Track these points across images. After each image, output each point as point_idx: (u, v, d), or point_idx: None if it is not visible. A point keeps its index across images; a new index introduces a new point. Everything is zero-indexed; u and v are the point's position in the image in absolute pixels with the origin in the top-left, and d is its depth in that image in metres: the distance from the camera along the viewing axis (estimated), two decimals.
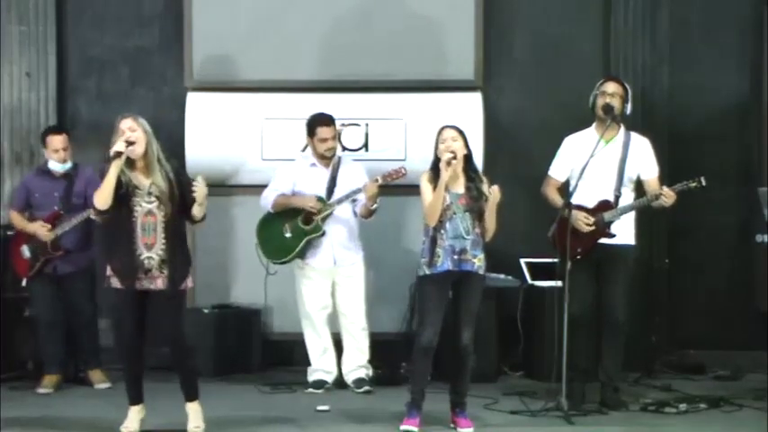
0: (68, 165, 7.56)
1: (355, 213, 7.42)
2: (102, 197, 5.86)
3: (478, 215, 6.16)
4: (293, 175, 7.50)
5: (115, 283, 5.97)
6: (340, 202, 7.35)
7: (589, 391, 6.78)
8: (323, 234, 7.37)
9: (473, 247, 6.15)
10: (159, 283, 5.94)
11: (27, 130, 8.42)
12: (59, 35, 8.48)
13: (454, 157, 6.11)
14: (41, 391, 7.37)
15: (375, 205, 7.23)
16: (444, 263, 6.12)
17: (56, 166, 7.53)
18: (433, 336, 6.12)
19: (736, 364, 8.00)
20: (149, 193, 5.94)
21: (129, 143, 5.90)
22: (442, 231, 6.13)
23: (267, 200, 7.49)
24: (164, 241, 5.94)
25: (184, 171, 6.10)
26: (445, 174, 6.07)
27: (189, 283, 6.09)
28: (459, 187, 6.20)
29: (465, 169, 6.24)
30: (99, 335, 7.69)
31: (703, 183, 6.49)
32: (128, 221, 5.92)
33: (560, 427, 6.25)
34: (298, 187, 7.48)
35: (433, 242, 6.14)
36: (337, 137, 7.58)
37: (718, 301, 8.43)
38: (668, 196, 6.53)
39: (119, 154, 5.86)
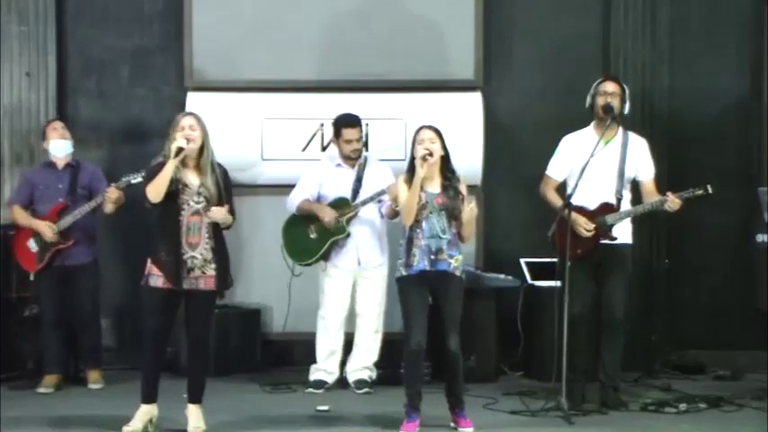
0: (69, 149, 7.58)
1: (381, 214, 7.39)
2: (156, 190, 5.87)
3: (454, 215, 6.16)
4: (319, 176, 7.49)
5: (155, 281, 5.95)
6: (364, 203, 7.34)
7: (589, 391, 6.78)
8: (348, 235, 7.36)
9: (449, 248, 6.15)
10: (202, 283, 5.96)
11: (27, 130, 8.42)
12: (59, 35, 8.48)
13: (430, 154, 6.11)
14: (41, 390, 7.37)
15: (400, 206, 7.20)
16: (420, 262, 6.12)
17: (57, 149, 7.54)
18: (421, 337, 6.12)
19: (736, 364, 8.01)
20: (198, 194, 5.96)
21: (189, 140, 5.92)
22: (419, 231, 6.14)
23: (292, 202, 7.48)
24: (207, 241, 5.96)
25: (229, 178, 6.12)
26: (420, 171, 6.07)
27: (231, 283, 6.18)
28: (436, 187, 6.21)
29: (442, 170, 6.24)
30: (101, 334, 7.68)
31: (710, 191, 6.46)
32: (175, 219, 5.93)
33: (560, 427, 6.25)
34: (324, 188, 7.46)
35: (410, 242, 6.15)
36: (362, 137, 7.56)
37: (718, 301, 8.43)
38: (674, 203, 6.52)
39: (180, 150, 5.87)
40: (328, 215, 7.30)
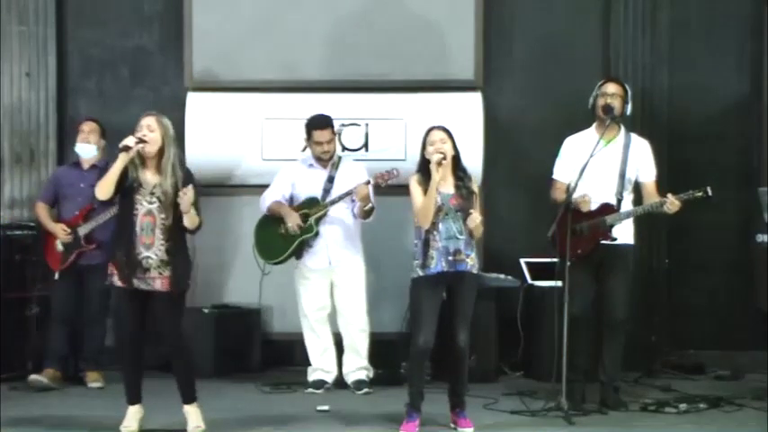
0: (94, 151, 7.60)
1: (354, 215, 7.41)
2: (103, 187, 5.88)
3: (468, 215, 6.16)
4: (292, 176, 7.52)
5: (116, 281, 5.97)
6: (333, 202, 7.35)
7: (589, 391, 6.78)
8: (316, 234, 7.37)
9: (466, 247, 6.15)
10: (158, 284, 5.94)
11: (27, 130, 8.43)
12: (59, 35, 8.49)
13: (444, 158, 6.11)
14: (38, 377, 7.36)
15: (369, 205, 7.22)
16: (438, 264, 6.12)
17: (82, 150, 7.58)
18: (429, 337, 6.12)
19: (736, 364, 8.01)
20: (152, 194, 5.93)
21: (141, 141, 5.90)
22: (435, 233, 6.13)
23: (264, 202, 7.51)
24: (162, 243, 5.93)
25: (194, 182, 6.02)
26: (436, 175, 6.07)
27: (188, 284, 6.09)
28: (449, 187, 6.21)
29: (454, 169, 6.24)
30: (104, 335, 7.68)
31: (710, 193, 6.44)
32: (129, 218, 5.93)
33: (560, 428, 6.25)
34: (296, 188, 7.49)
35: (426, 244, 6.13)
36: (336, 138, 7.57)
37: (719, 301, 8.44)
38: (673, 205, 6.51)
39: (127, 148, 5.86)
40: (291, 220, 7.31)
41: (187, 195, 5.84)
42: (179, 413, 6.11)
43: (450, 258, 6.12)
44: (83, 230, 7.46)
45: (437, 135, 6.21)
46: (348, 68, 8.30)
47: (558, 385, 6.40)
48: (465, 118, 7.99)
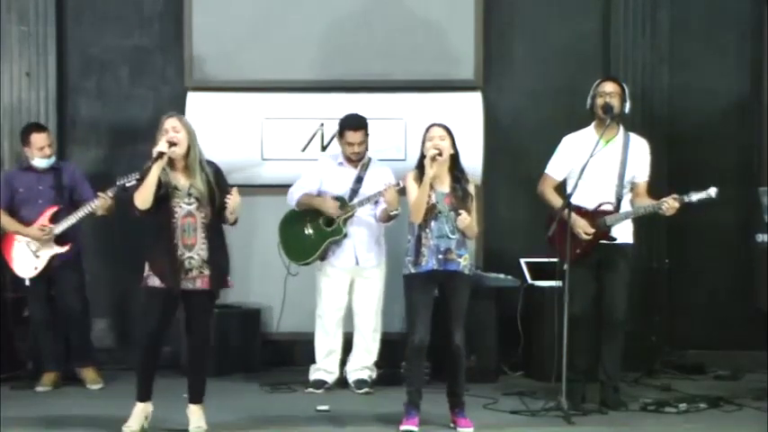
0: (52, 159, 7.55)
1: (375, 217, 7.36)
2: (143, 197, 5.86)
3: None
4: (321, 173, 7.48)
5: (153, 281, 5.95)
6: (361, 204, 7.31)
7: (589, 391, 6.78)
8: (345, 236, 7.35)
9: (458, 247, 6.15)
10: (199, 283, 5.96)
11: None
12: (59, 35, 8.48)
13: (440, 153, 6.11)
14: (40, 389, 7.38)
15: (395, 211, 7.10)
16: (429, 262, 6.12)
17: (41, 163, 7.50)
18: (425, 334, 6.12)
19: (736, 364, 8.01)
20: (189, 195, 5.94)
21: (172, 144, 5.89)
22: (427, 230, 6.14)
23: (292, 196, 7.46)
24: (204, 242, 5.95)
25: (222, 175, 6.10)
26: (430, 170, 6.06)
27: (230, 282, 6.15)
28: (445, 187, 6.20)
29: (451, 169, 6.23)
30: (90, 332, 7.66)
31: (713, 195, 6.45)
32: (168, 222, 5.92)
33: (560, 428, 6.25)
34: (324, 186, 7.44)
35: (419, 241, 6.14)
36: (367, 140, 7.47)
37: (719, 301, 8.43)
38: (671, 206, 6.50)
39: (161, 154, 5.85)
40: (332, 207, 7.28)
41: (235, 197, 5.90)
42: (180, 413, 6.12)
43: (441, 257, 6.12)
44: (56, 231, 7.35)
45: (436, 132, 6.21)
46: (348, 68, 8.29)
47: (558, 385, 6.41)
48: (465, 118, 7.99)
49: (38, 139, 7.52)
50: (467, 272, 6.22)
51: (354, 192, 7.39)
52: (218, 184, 6.02)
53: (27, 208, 7.46)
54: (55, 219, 7.40)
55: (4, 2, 8.36)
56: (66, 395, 7.33)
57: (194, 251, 5.94)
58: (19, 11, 8.38)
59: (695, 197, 6.46)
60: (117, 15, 8.55)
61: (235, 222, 6.09)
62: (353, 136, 7.40)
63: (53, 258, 7.40)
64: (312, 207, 7.37)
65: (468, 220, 6.11)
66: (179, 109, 8.13)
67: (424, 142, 6.22)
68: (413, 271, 6.16)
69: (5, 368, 7.59)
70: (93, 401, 7.08)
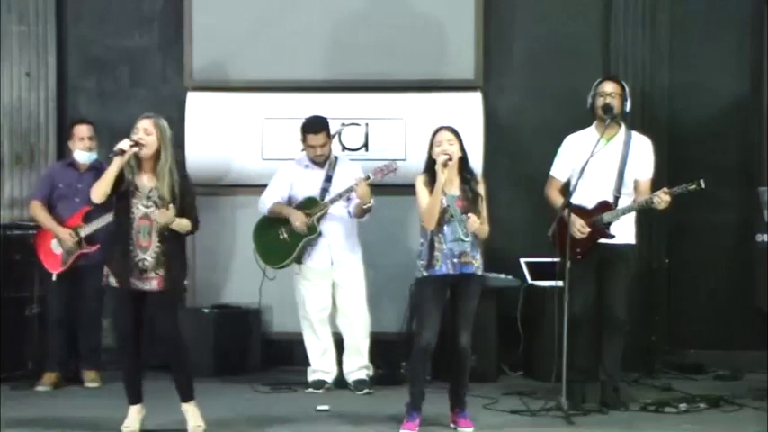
0: (93, 155, 7.58)
1: (350, 213, 7.39)
2: (99, 190, 5.87)
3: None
4: (289, 177, 7.50)
5: (112, 281, 5.97)
6: (333, 201, 7.33)
7: (589, 391, 6.78)
8: (319, 234, 7.36)
9: (472, 249, 6.13)
10: (155, 283, 5.94)
11: (27, 130, 8.43)
12: (59, 35, 8.49)
13: (450, 159, 6.09)
14: (40, 388, 7.38)
15: (368, 204, 7.18)
16: (443, 266, 6.10)
17: (81, 156, 7.54)
18: (432, 337, 6.11)
19: (736, 364, 8.01)
20: (148, 197, 5.92)
21: (136, 144, 5.88)
22: (441, 235, 6.11)
23: (264, 204, 7.49)
24: (158, 245, 5.93)
25: (190, 186, 6.06)
26: (442, 176, 6.04)
27: (185, 284, 6.12)
28: (455, 189, 6.18)
29: (461, 171, 6.22)
30: (101, 334, 7.68)
31: (702, 185, 6.45)
32: (125, 221, 5.92)
33: (560, 428, 6.25)
34: (294, 189, 7.47)
35: (432, 245, 6.11)
36: (330, 141, 7.49)
37: (719, 301, 8.43)
38: (662, 201, 6.51)
39: (122, 152, 5.85)
40: (298, 219, 7.30)
41: (165, 215, 5.84)
42: (179, 413, 6.11)
43: (456, 261, 6.09)
44: (84, 232, 7.42)
45: (444, 136, 6.17)
46: (348, 68, 8.29)
47: (558, 385, 6.41)
48: (465, 118, 7.98)
49: (80, 129, 7.59)
50: (480, 273, 6.20)
51: (325, 191, 7.40)
52: (182, 195, 5.95)
53: (63, 205, 7.51)
54: (87, 218, 7.42)
55: (4, 2, 8.37)
56: (66, 395, 7.33)
57: (148, 253, 5.91)
58: (19, 11, 8.39)
59: (684, 188, 6.46)
60: (117, 15, 8.57)
61: (191, 233, 6.07)
62: (314, 139, 7.39)
63: (80, 257, 7.43)
64: (282, 216, 7.39)
65: (477, 223, 6.08)
66: (179, 109, 8.16)
67: (431, 146, 6.19)
68: (425, 274, 6.13)
69: (5, 368, 7.58)
70: (92, 401, 7.08)
